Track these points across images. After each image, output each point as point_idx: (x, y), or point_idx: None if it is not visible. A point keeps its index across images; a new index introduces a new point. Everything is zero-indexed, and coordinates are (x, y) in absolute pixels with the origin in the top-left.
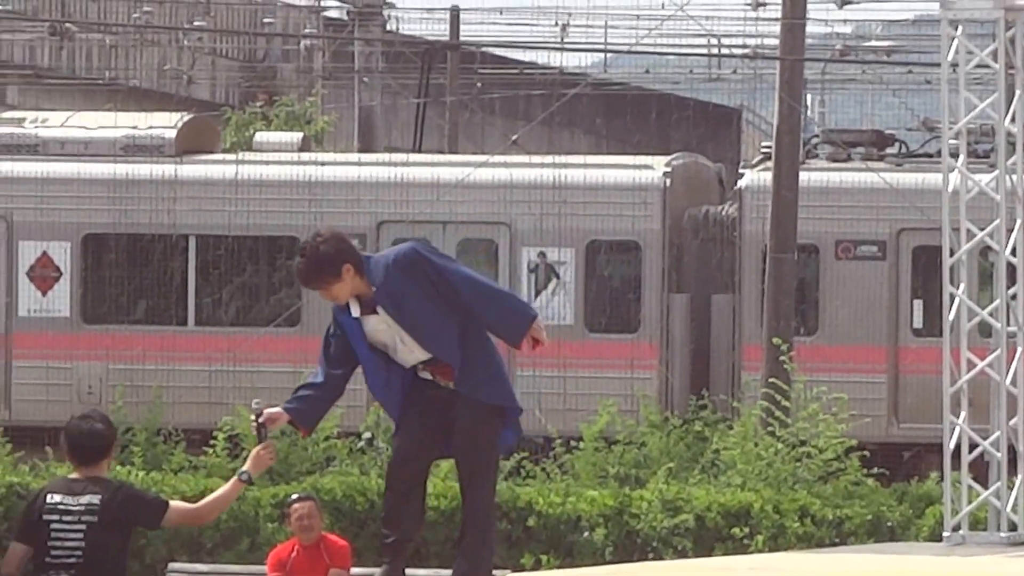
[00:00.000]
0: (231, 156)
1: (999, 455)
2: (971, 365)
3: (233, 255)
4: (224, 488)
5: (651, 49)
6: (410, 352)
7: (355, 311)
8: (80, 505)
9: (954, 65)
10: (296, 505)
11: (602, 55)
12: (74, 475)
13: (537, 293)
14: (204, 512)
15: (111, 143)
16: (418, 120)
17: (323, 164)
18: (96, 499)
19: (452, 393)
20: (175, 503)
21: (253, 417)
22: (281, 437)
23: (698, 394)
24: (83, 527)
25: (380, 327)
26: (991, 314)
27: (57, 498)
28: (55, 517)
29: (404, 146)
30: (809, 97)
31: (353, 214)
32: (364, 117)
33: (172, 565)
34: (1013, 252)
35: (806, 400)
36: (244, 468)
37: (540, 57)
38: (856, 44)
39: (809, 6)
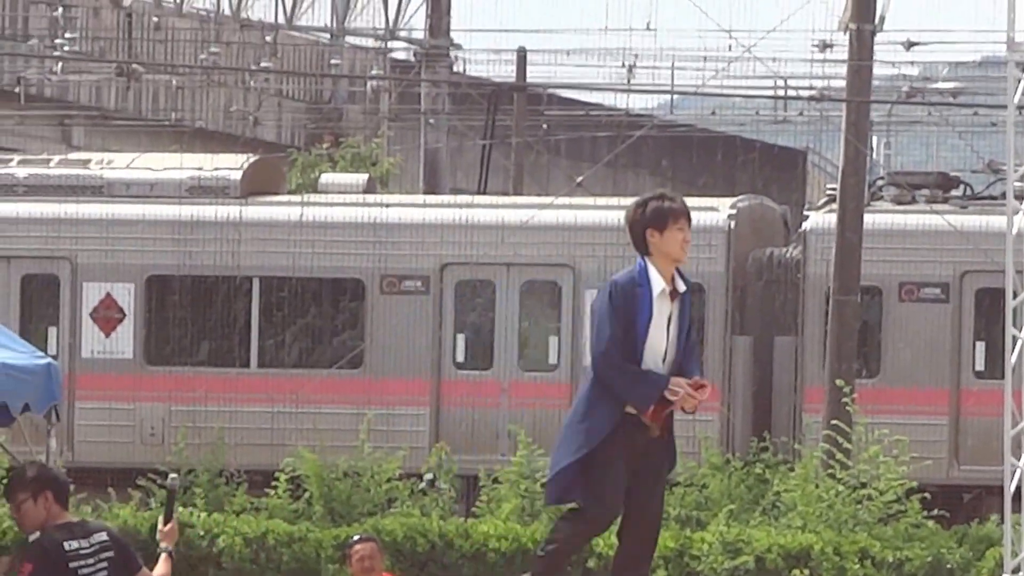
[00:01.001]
0: (296, 198)
1: None
2: None
3: (297, 297)
4: (161, 568)
5: (717, 91)
6: (663, 352)
7: (661, 285)
8: (94, 544)
9: (1020, 107)
10: (357, 546)
11: (668, 97)
12: (61, 521)
13: None
14: None
15: (176, 185)
16: (483, 162)
17: (388, 206)
18: (102, 536)
19: (651, 443)
20: (144, 569)
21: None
22: (343, 479)
23: (760, 436)
24: (105, 563)
25: (664, 319)
26: None
27: (74, 544)
28: (81, 563)
29: (469, 187)
30: (875, 139)
31: (417, 256)
32: (430, 159)
33: None
34: None
35: (867, 442)
36: (163, 546)
37: (606, 99)
38: (922, 86)
39: (876, 48)
